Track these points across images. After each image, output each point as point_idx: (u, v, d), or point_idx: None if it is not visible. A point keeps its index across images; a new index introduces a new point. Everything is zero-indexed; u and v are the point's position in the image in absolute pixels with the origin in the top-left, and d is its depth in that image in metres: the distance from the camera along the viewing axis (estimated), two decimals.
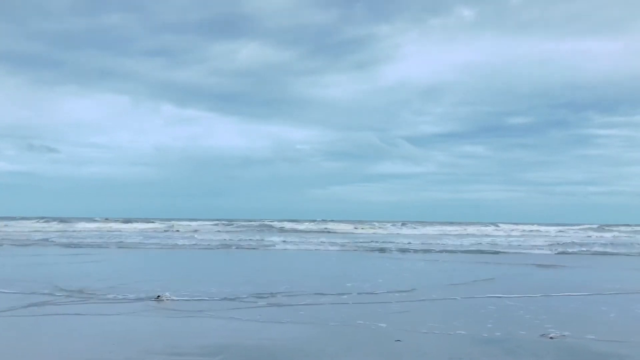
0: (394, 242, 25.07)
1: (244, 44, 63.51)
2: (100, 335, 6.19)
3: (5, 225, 37.85)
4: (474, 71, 66.15)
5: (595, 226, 44.61)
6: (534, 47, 64.92)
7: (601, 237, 33.70)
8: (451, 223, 48.15)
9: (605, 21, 60.94)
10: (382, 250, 21.03)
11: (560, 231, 38.82)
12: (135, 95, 68.92)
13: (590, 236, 34.17)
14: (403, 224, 45.74)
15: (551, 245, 24.41)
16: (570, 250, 21.62)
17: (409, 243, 24.39)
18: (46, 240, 24.98)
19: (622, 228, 42.83)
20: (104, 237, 26.67)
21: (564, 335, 6.28)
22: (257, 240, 25.73)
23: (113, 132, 75.64)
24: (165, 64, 64.81)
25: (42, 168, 74.09)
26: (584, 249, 22.30)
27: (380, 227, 42.55)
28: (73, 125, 73.00)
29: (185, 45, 63.97)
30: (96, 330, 6.50)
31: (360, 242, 25.70)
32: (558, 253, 20.27)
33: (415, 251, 20.55)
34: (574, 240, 28.17)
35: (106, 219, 46.66)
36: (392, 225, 44.63)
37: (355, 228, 41.86)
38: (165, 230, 37.50)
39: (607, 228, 42.99)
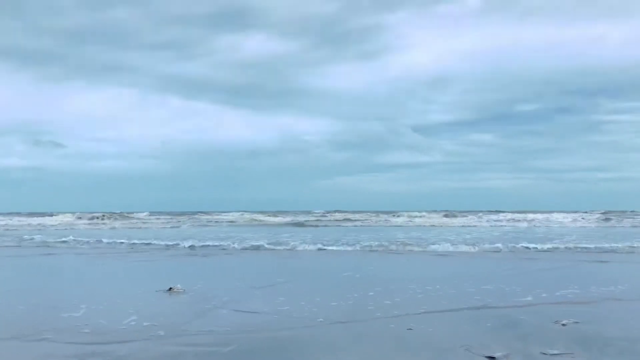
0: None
1: (250, 35, 63.39)
2: (111, 324, 6.24)
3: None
4: (481, 58, 65.65)
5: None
6: (542, 33, 64.20)
7: None
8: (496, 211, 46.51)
9: (613, 5, 60.26)
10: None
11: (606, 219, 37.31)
12: (142, 88, 69.08)
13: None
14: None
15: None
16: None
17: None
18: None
19: None
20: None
21: (577, 322, 6.26)
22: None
23: (120, 126, 75.84)
24: (171, 57, 64.84)
25: (51, 163, 74.39)
26: None
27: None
28: (80, 120, 73.36)
29: (192, 38, 63.92)
30: (111, 315, 6.55)
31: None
32: None
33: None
34: None
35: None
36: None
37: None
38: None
39: None
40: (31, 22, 58.63)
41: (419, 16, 62.74)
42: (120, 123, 75.72)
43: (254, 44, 62.74)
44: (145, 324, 6.30)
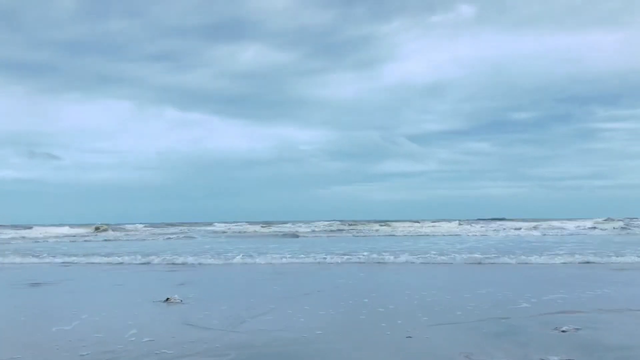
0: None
1: (246, 46, 63.82)
2: (110, 333, 6.15)
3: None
4: (476, 67, 66.23)
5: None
6: (536, 41, 64.93)
7: None
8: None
9: (606, 13, 60.92)
10: None
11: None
12: (139, 100, 69.30)
13: None
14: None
15: None
16: None
17: None
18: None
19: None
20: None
21: (577, 329, 6.21)
22: None
23: (117, 137, 76.05)
24: (168, 68, 65.12)
25: (47, 175, 74.50)
26: None
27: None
28: (76, 132, 73.46)
29: (188, 49, 64.35)
30: (107, 325, 6.46)
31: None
32: None
33: None
34: None
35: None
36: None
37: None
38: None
39: None
40: (27, 34, 58.82)
41: (413, 26, 63.27)
42: (116, 134, 75.93)
43: (250, 55, 63.14)
44: (145, 339, 6.09)
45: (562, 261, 14.77)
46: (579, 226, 38.12)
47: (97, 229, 42.04)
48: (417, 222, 45.18)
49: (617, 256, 15.51)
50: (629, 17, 61.49)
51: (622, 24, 62.30)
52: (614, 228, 36.11)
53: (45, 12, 58.09)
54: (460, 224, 41.70)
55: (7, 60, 62.79)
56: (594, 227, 37.10)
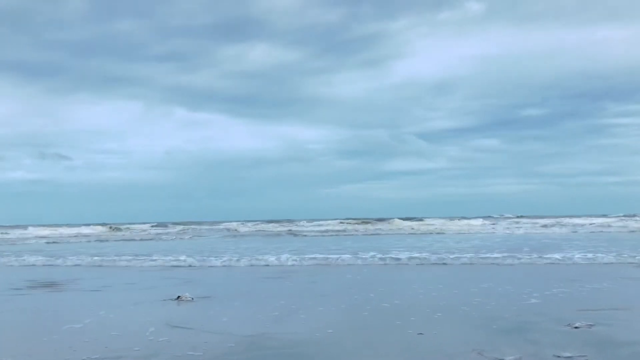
0: None
1: (253, 45, 63.86)
2: (124, 328, 6.17)
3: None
4: (485, 64, 65.86)
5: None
6: (546, 37, 64.47)
7: None
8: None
9: (616, 8, 60.39)
10: None
11: None
12: (147, 100, 69.54)
13: None
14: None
15: None
16: None
17: None
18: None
19: None
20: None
21: (590, 325, 6.16)
22: None
23: (126, 137, 76.36)
24: (175, 69, 65.30)
25: (58, 176, 74.92)
26: None
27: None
28: (86, 132, 73.80)
29: (195, 49, 64.49)
30: (120, 324, 6.47)
31: None
32: None
33: None
34: None
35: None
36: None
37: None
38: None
39: None
40: (36, 35, 59.22)
41: (421, 23, 63.05)
42: (125, 135, 76.21)
43: (258, 54, 63.18)
44: (161, 339, 6.00)
45: (577, 258, 14.67)
46: (593, 223, 37.77)
47: (111, 228, 42.38)
48: (421, 219, 45.00)
49: (634, 253, 15.36)
50: (638, 12, 61.01)
51: (632, 19, 61.77)
52: (623, 226, 35.76)
53: (53, 14, 58.49)
54: (484, 222, 41.30)
55: (16, 62, 63.36)
56: (610, 225, 36.74)
